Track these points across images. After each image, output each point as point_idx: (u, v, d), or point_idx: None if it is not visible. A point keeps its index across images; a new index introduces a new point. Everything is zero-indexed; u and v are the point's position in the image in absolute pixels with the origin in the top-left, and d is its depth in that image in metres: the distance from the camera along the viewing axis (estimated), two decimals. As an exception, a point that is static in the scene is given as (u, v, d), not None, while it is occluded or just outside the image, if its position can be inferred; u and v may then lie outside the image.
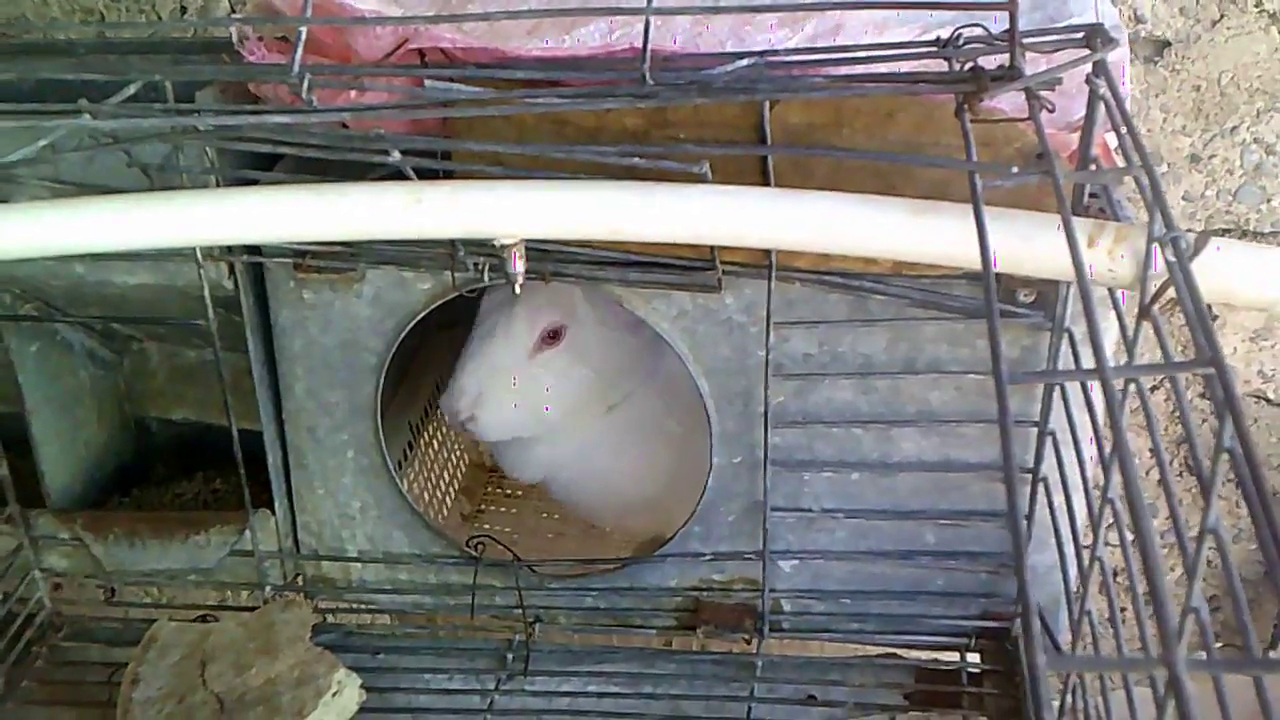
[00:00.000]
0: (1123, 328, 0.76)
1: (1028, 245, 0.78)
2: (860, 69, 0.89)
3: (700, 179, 0.87)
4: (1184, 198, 1.84)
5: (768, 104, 0.97)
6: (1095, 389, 0.94)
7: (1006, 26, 0.78)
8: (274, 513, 1.30)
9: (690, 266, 1.07)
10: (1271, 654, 1.95)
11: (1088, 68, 0.82)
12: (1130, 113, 0.78)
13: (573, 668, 1.24)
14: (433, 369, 1.61)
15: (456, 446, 1.72)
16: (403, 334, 1.17)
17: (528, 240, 0.94)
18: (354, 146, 0.90)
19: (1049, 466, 1.09)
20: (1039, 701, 0.45)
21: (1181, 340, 1.72)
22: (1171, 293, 0.67)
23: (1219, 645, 1.96)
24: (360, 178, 0.92)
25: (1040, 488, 1.11)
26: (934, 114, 0.97)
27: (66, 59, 1.22)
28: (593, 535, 1.57)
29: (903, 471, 1.15)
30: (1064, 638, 1.16)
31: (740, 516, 1.20)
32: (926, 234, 0.80)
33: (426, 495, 1.55)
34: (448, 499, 1.64)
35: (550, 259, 1.08)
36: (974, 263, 0.70)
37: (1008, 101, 0.88)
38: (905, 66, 0.87)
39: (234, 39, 1.04)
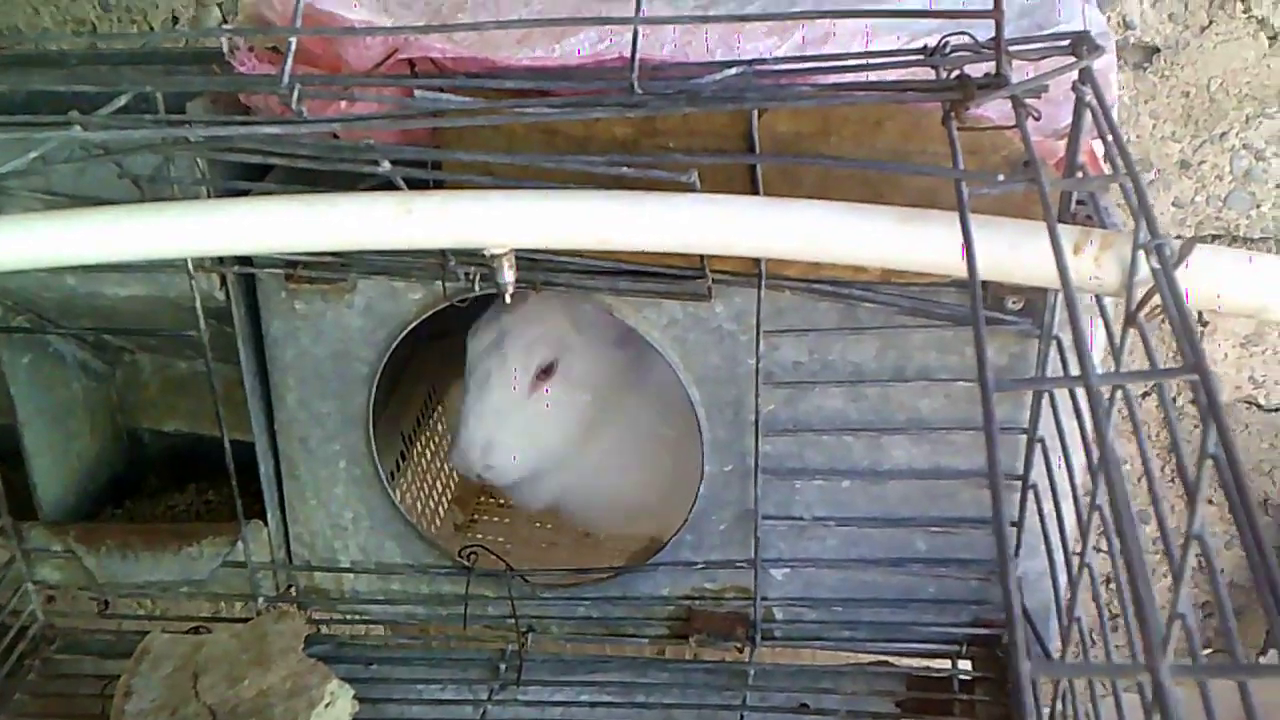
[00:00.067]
0: (1110, 335, 0.76)
1: (1014, 253, 0.78)
2: (848, 77, 0.89)
3: (689, 188, 0.87)
4: (1174, 204, 1.85)
5: (756, 113, 0.98)
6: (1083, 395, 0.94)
7: (993, 34, 0.79)
8: (266, 524, 1.30)
9: (680, 275, 1.08)
10: (1262, 660, 1.96)
11: (1074, 75, 0.82)
12: (1118, 120, 0.78)
13: (565, 677, 1.25)
14: (425, 379, 1.61)
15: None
16: (394, 344, 1.18)
17: (518, 250, 0.94)
18: (344, 157, 0.91)
19: (1039, 473, 1.09)
20: (1022, 708, 0.45)
21: (1171, 346, 1.72)
22: (1158, 299, 0.67)
23: (1211, 651, 1.96)
24: (351, 188, 0.92)
25: (1030, 495, 1.11)
26: (921, 122, 0.97)
27: (58, 70, 1.23)
28: (585, 545, 1.57)
29: (893, 479, 1.15)
30: (1055, 645, 1.16)
31: (732, 525, 1.20)
32: (914, 242, 0.81)
33: (419, 505, 1.55)
34: (440, 509, 1.64)
35: (540, 268, 1.08)
36: (961, 270, 0.70)
37: (994, 109, 0.89)
38: (893, 75, 0.88)
39: (225, 50, 1.04)
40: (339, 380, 1.21)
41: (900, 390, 1.11)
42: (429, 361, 1.57)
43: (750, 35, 0.96)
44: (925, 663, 1.22)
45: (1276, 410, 1.97)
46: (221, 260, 1.15)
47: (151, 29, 1.95)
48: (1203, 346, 0.61)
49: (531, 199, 0.86)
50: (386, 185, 0.90)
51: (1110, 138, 0.76)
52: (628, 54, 0.82)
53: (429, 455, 1.64)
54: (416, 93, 0.96)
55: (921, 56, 0.86)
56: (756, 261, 1.05)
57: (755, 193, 1.00)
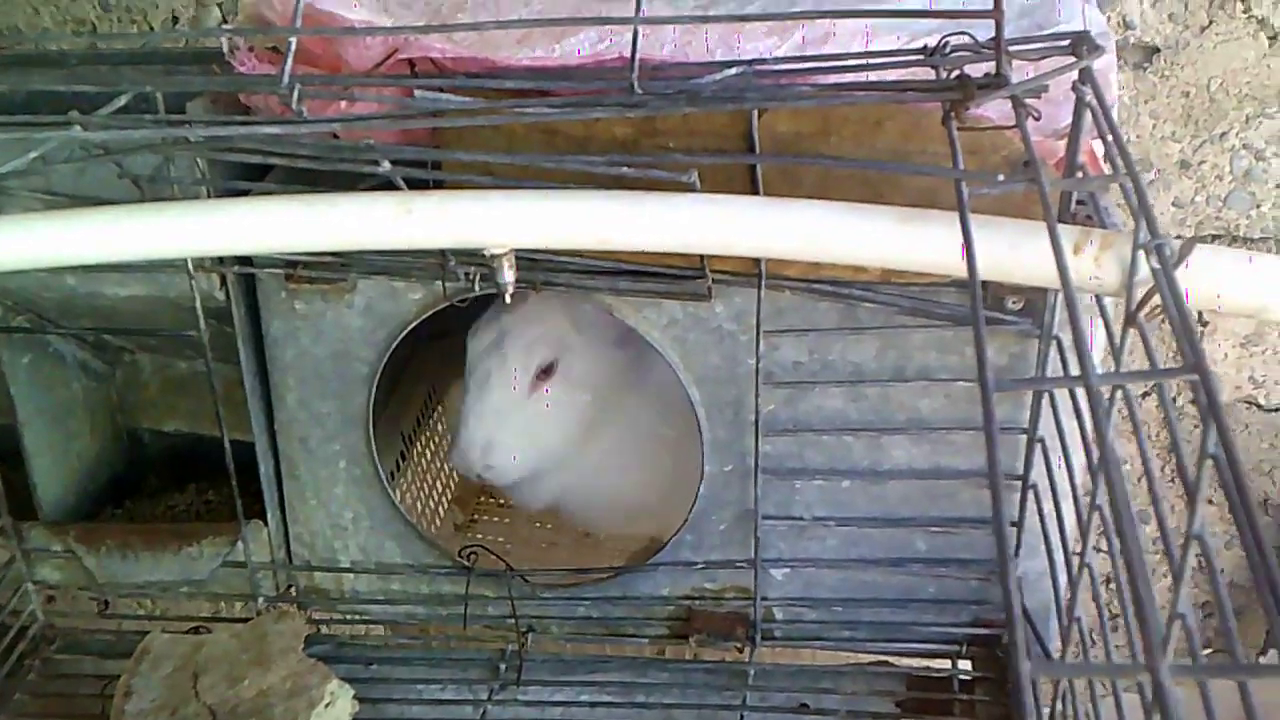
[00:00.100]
0: (1110, 335, 0.76)
1: (1014, 253, 0.78)
2: (848, 77, 0.89)
3: (689, 188, 0.87)
4: (1174, 203, 1.85)
5: (756, 113, 0.98)
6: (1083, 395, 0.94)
7: (993, 35, 0.79)
8: (266, 524, 1.30)
9: (680, 275, 1.08)
10: (1262, 660, 1.96)
11: (1074, 75, 0.82)
12: (1118, 120, 0.78)
13: (565, 677, 1.25)
14: (425, 379, 1.61)
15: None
16: (394, 344, 1.18)
17: (518, 250, 0.94)
18: (344, 157, 0.91)
19: (1039, 473, 1.09)
20: (1022, 708, 0.45)
21: (1171, 346, 1.72)
22: (1158, 299, 0.67)
23: (1211, 651, 1.96)
24: (351, 188, 0.92)
25: (1030, 495, 1.11)
26: (921, 122, 0.97)
27: (58, 70, 1.23)
28: (585, 545, 1.57)
29: (893, 479, 1.15)
30: (1055, 645, 1.16)
31: (732, 525, 1.20)
32: (914, 242, 0.81)
33: (419, 505, 1.55)
34: (440, 509, 1.64)
35: (540, 268, 1.08)
36: (961, 270, 0.70)
37: (994, 109, 0.89)
38: (893, 75, 0.88)
39: (225, 50, 1.04)
40: (339, 380, 1.21)
41: (900, 390, 1.11)
42: (429, 361, 1.57)
43: (750, 35, 0.96)
44: (925, 663, 1.22)
45: (1277, 410, 1.97)
46: (221, 260, 1.15)
47: (151, 29, 1.95)
48: (1203, 346, 0.61)
49: (531, 199, 0.86)
50: (386, 185, 0.91)
51: (1110, 138, 0.76)
52: (628, 54, 0.82)
53: (429, 455, 1.64)
54: (416, 93, 0.96)
55: (921, 56, 0.86)
56: (756, 261, 1.05)
57: (755, 193, 1.00)
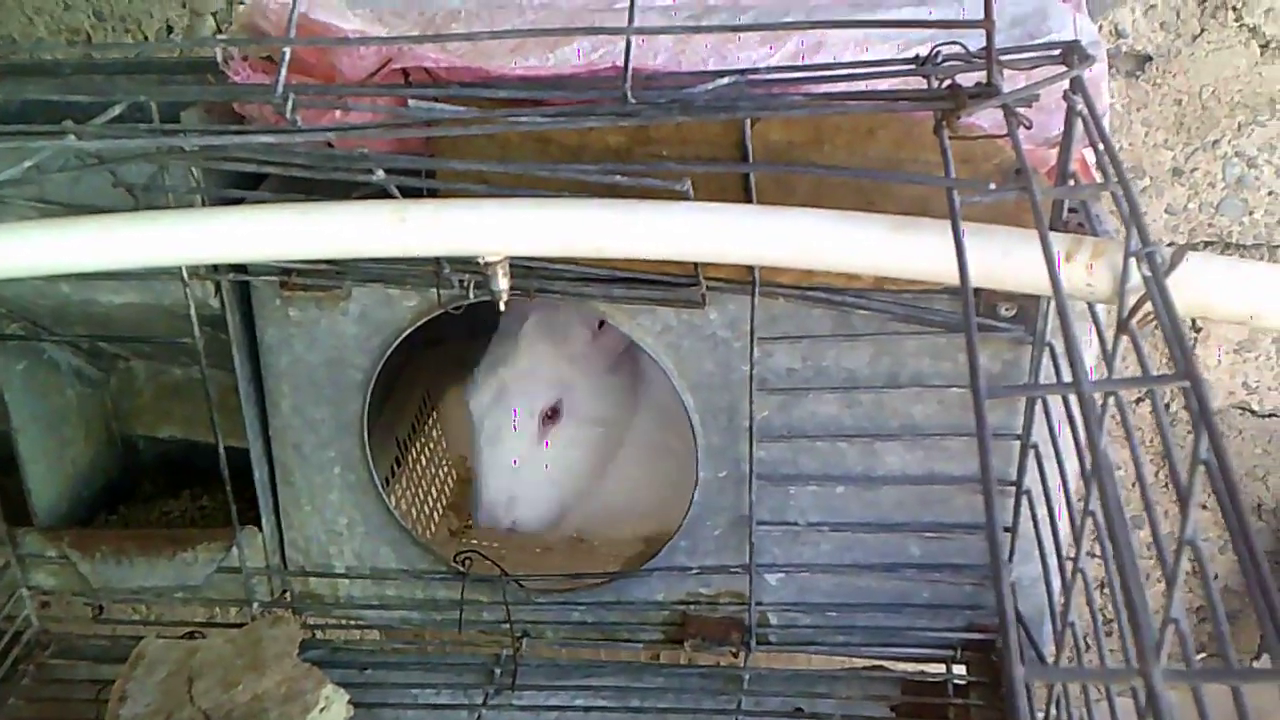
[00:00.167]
0: (1102, 341, 0.77)
1: (1006, 260, 0.78)
2: (840, 86, 0.90)
3: (683, 196, 0.87)
4: (1166, 210, 1.85)
5: (749, 122, 0.98)
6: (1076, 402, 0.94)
7: (984, 44, 0.79)
8: (261, 529, 1.30)
9: (674, 282, 1.08)
10: (1255, 664, 1.96)
11: (1065, 84, 0.83)
12: (1110, 128, 0.78)
13: (560, 682, 1.25)
14: (420, 385, 1.61)
15: (444, 462, 1.72)
16: (389, 351, 1.18)
17: (512, 258, 0.95)
18: (339, 166, 0.91)
19: (1032, 479, 1.09)
20: (1016, 713, 0.46)
21: (1164, 353, 1.72)
22: (1150, 306, 0.67)
23: (1205, 655, 1.96)
24: (345, 197, 0.92)
25: (1024, 500, 1.11)
26: (913, 131, 0.98)
27: (52, 79, 1.23)
28: (580, 550, 1.57)
29: (887, 485, 1.16)
30: (1049, 649, 1.16)
31: (726, 530, 1.21)
32: (907, 250, 0.81)
33: (414, 511, 1.55)
34: (435, 515, 1.64)
35: (534, 276, 1.08)
36: (954, 278, 0.70)
37: (986, 118, 0.89)
38: (885, 84, 0.88)
39: (219, 59, 1.04)
40: (334, 387, 1.21)
41: (894, 396, 1.12)
42: (424, 368, 1.57)
43: (743, 45, 0.97)
44: (920, 667, 1.22)
45: (1269, 416, 1.97)
46: (216, 268, 1.16)
47: (146, 39, 1.95)
48: (1196, 353, 0.61)
49: (525, 207, 0.86)
50: (381, 194, 0.91)
51: (1101, 146, 0.77)
52: (621, 63, 0.83)
53: (424, 461, 1.64)
54: (411, 102, 0.97)
55: (913, 66, 0.86)
56: (750, 269, 1.05)
57: (749, 201, 1.01)
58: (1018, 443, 1.10)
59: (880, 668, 1.23)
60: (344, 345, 1.18)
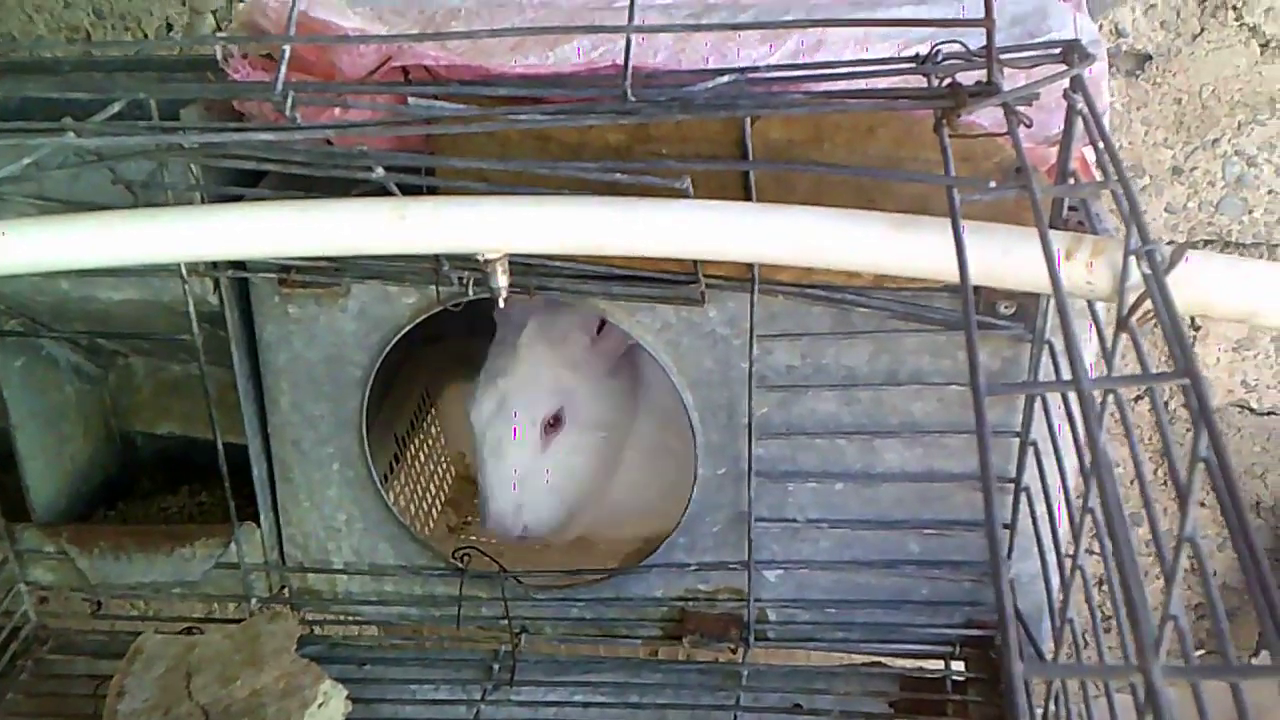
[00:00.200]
0: (1102, 339, 0.77)
1: (1006, 258, 0.79)
2: (840, 85, 0.90)
3: (682, 194, 0.87)
4: (1166, 209, 1.85)
5: (749, 120, 0.98)
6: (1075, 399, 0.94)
7: (985, 43, 0.79)
8: (259, 525, 1.30)
9: (674, 280, 1.08)
10: (1254, 661, 1.96)
11: (1065, 83, 0.83)
12: (1110, 126, 0.78)
13: (559, 678, 1.25)
14: (418, 382, 1.61)
15: (443, 459, 1.72)
16: (388, 348, 1.18)
17: (512, 255, 0.95)
18: (338, 163, 0.91)
19: (1031, 476, 1.09)
20: (1015, 709, 0.46)
21: (1163, 351, 1.73)
22: (1149, 304, 0.67)
23: (1204, 652, 1.97)
24: (344, 194, 0.92)
25: (1023, 497, 1.11)
26: (913, 129, 0.98)
27: (52, 77, 1.23)
28: (578, 546, 1.57)
29: (886, 482, 1.16)
30: (1048, 646, 1.16)
31: (725, 527, 1.21)
32: (906, 248, 0.81)
33: (412, 507, 1.55)
34: (434, 511, 1.64)
35: (534, 273, 1.09)
36: (953, 276, 0.70)
37: (986, 117, 0.89)
38: (885, 82, 0.88)
39: (219, 57, 1.04)
40: (332, 384, 1.21)
41: (893, 394, 1.12)
42: (423, 365, 1.57)
43: (743, 43, 0.97)
44: (919, 664, 1.22)
45: (1268, 414, 1.98)
46: (215, 265, 1.15)
47: (146, 36, 1.95)
48: (1195, 351, 0.61)
49: (525, 205, 0.86)
50: (380, 191, 0.91)
51: (1101, 144, 0.77)
52: (621, 61, 0.83)
53: (422, 458, 1.64)
54: (410, 100, 0.97)
55: (914, 64, 0.86)
56: (749, 266, 1.05)
57: (748, 199, 1.00)
58: (1017, 440, 1.10)
59: (879, 664, 1.23)
60: (343, 342, 1.18)
